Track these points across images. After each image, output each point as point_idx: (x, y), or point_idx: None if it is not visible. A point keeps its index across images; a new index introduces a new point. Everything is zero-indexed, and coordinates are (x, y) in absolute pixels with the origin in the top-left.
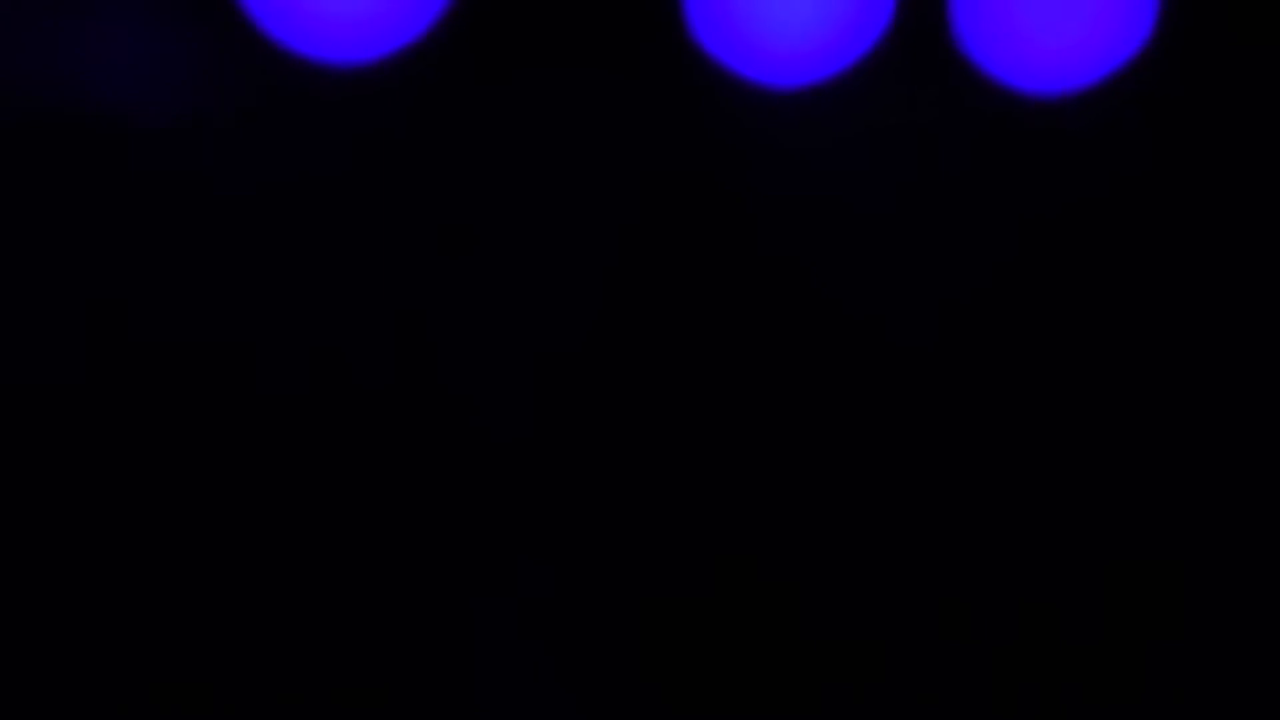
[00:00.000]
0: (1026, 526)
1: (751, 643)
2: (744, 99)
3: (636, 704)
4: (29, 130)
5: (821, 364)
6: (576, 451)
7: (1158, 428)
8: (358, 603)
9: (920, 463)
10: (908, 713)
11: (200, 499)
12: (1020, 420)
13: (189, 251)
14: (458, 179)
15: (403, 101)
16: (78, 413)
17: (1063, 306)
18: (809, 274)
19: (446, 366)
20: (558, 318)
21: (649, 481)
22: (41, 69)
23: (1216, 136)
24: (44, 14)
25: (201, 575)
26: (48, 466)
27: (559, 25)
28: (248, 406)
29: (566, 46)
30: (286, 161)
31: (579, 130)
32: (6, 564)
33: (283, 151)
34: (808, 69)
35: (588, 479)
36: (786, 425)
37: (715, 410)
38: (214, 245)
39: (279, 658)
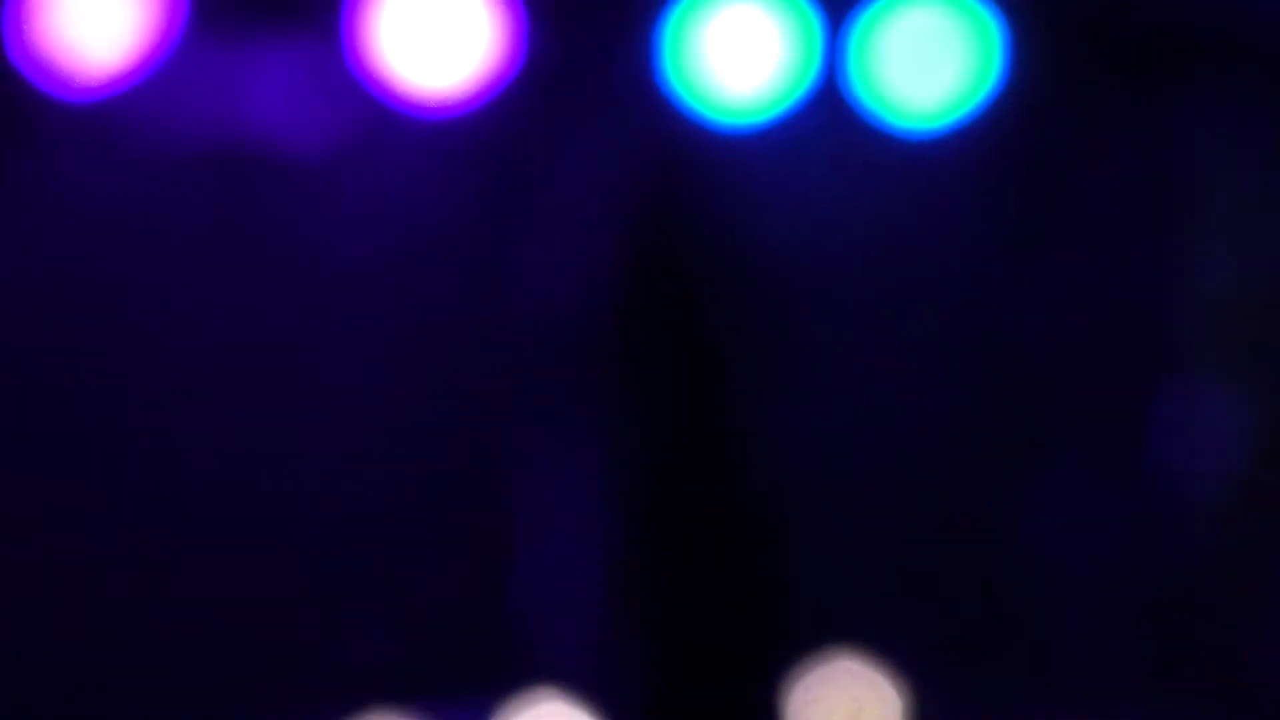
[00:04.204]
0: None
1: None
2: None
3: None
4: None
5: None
6: None
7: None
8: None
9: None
10: None
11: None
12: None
13: (308, 256)
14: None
15: (474, 145)
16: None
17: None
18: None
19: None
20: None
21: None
22: (205, 113)
23: (1051, 172)
24: (211, 72)
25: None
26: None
27: (569, 88)
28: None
29: (573, 103)
30: (386, 183)
31: (581, 162)
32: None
33: (384, 176)
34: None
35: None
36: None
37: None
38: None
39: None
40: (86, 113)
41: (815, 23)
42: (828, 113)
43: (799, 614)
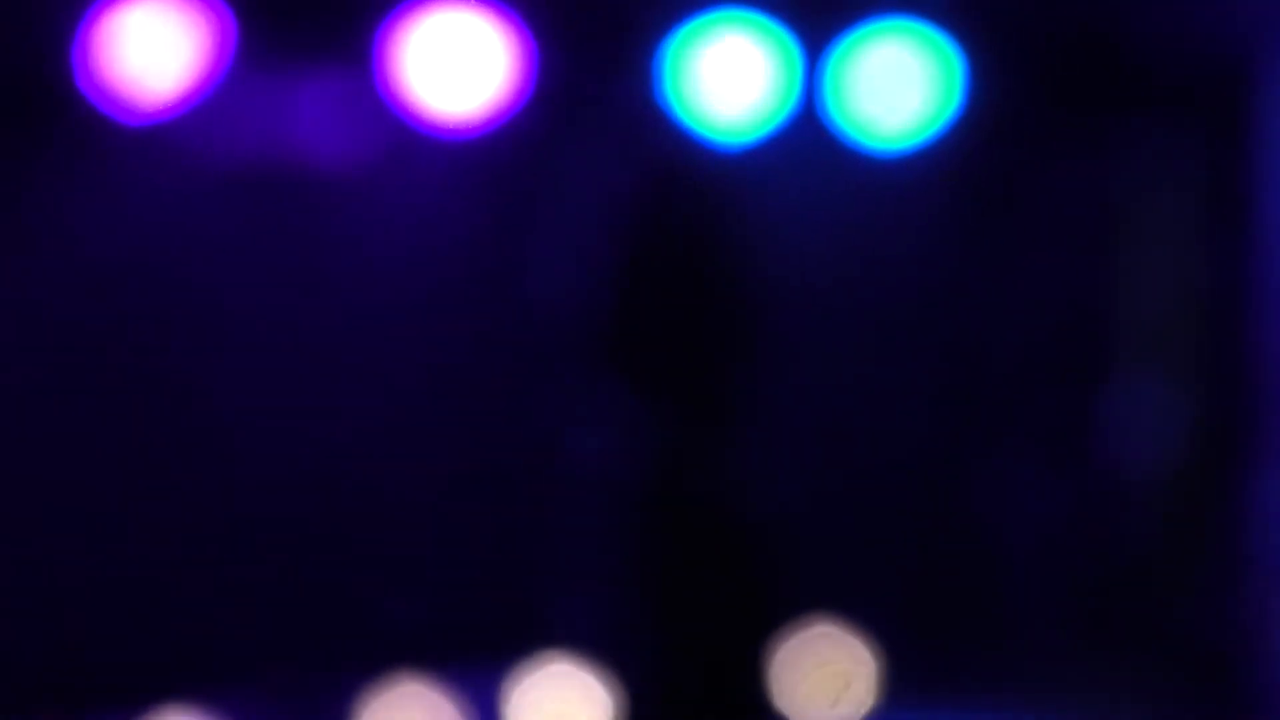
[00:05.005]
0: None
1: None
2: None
3: None
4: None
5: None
6: None
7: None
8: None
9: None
10: None
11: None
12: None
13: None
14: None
15: (491, 162)
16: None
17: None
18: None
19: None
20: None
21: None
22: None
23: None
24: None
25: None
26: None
27: (576, 111)
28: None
29: (579, 125)
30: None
31: (585, 178)
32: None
33: (409, 187)
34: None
35: None
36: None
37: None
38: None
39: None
40: (145, 134)
41: (797, 54)
42: (807, 133)
43: (787, 588)
